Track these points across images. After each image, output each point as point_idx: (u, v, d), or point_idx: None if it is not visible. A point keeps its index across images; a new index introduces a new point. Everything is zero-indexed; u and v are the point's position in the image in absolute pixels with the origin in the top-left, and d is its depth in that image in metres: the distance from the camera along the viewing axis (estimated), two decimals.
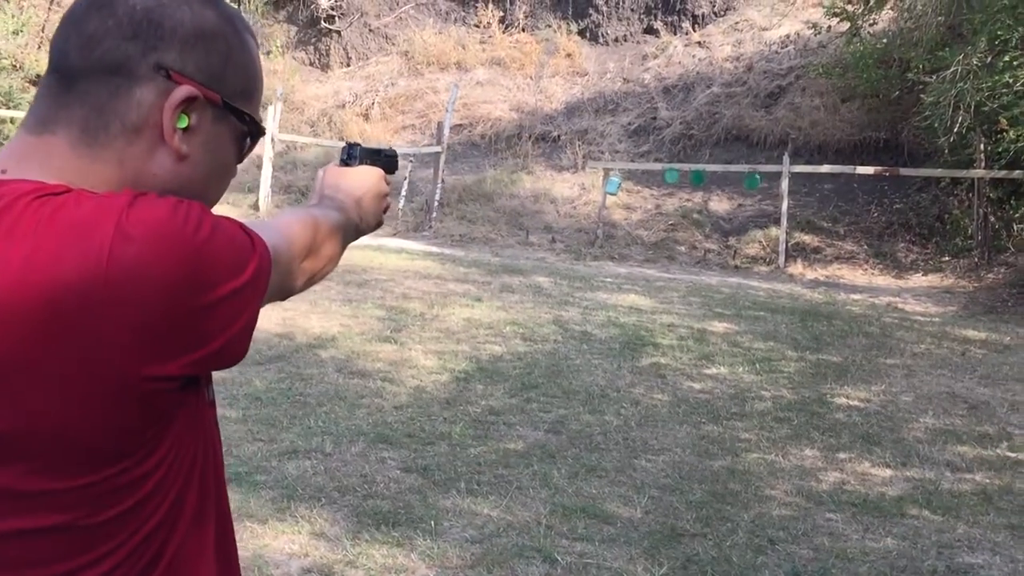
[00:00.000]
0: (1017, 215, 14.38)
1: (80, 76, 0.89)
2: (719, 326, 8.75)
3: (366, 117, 20.44)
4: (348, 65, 22.45)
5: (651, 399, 6.05)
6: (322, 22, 22.35)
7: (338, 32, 22.50)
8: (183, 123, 0.90)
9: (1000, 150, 12.77)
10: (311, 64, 22.73)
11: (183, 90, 0.89)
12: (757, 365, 7.15)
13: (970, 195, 14.86)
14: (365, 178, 1.32)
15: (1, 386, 0.76)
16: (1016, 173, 13.63)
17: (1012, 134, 12.81)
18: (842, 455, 5.14)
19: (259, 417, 5.05)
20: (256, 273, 0.87)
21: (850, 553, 3.80)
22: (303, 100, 21.14)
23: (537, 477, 4.47)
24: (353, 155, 1.35)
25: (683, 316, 9.15)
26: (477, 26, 21.94)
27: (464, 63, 21.23)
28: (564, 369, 6.64)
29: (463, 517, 3.93)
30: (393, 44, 22.26)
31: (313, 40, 22.76)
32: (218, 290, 0.82)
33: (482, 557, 3.57)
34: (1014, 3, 11.14)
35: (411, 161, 16.08)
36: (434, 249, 13.68)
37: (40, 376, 0.76)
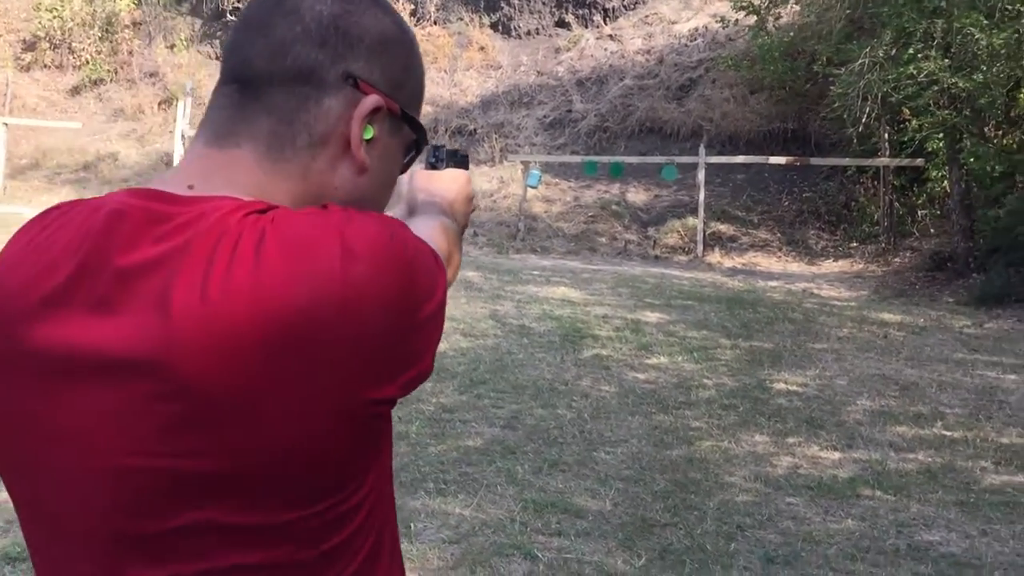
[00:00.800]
0: (920, 201, 15.00)
1: (266, 85, 0.84)
2: (652, 316, 8.88)
3: None
4: None
5: (599, 391, 6.11)
6: (228, 15, 21.81)
7: None
8: (368, 134, 0.87)
9: (905, 139, 13.27)
10: (217, 58, 22.15)
11: (372, 100, 0.85)
12: (695, 354, 7.29)
13: (875, 183, 15.42)
14: (454, 181, 1.29)
15: (218, 423, 0.72)
16: (919, 161, 14.21)
17: (915, 123, 13.34)
18: (791, 439, 5.28)
19: None
20: (445, 289, 0.85)
21: (816, 536, 3.91)
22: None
23: (502, 473, 4.47)
24: (440, 157, 1.31)
25: (615, 307, 9.26)
26: None
27: None
28: (509, 364, 6.65)
29: (436, 518, 3.90)
30: None
31: (219, 33, 22.19)
32: (425, 307, 0.80)
33: (462, 557, 3.55)
34: None
35: None
36: None
37: (264, 409, 0.72)
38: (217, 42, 22.16)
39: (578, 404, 5.75)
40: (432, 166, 1.31)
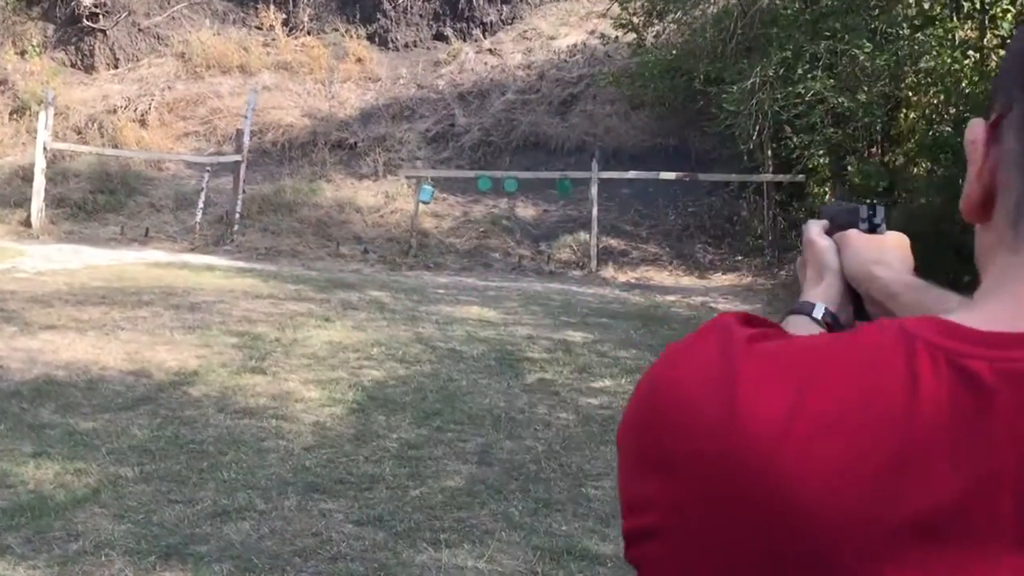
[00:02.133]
0: (801, 216, 15.49)
1: None
2: (576, 335, 8.73)
3: (142, 123, 18.97)
4: (116, 67, 20.76)
5: (558, 419, 5.88)
6: (84, 20, 20.53)
7: (103, 31, 20.76)
8: None
9: (794, 156, 13.63)
10: (73, 65, 20.81)
11: None
12: (636, 375, 7.15)
13: (758, 198, 15.84)
14: (907, 250, 1.01)
15: None
16: (800, 177, 14.68)
17: (796, 140, 13.75)
18: None
19: (161, 473, 4.42)
20: None
21: None
22: (67, 104, 19.24)
23: (498, 518, 4.17)
24: (881, 217, 1.04)
25: (536, 327, 9.07)
26: (259, 28, 20.94)
27: (248, 67, 20.21)
28: (455, 392, 6.34)
29: (450, 574, 3.58)
30: (166, 45, 20.81)
31: (74, 40, 20.85)
32: None
33: None
34: (815, 18, 11.91)
35: (207, 171, 15.06)
36: (243, 264, 12.85)
37: None
38: (73, 48, 20.81)
39: (544, 435, 5.51)
40: (873, 229, 1.03)
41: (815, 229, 1.04)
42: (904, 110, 12.78)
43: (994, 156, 0.58)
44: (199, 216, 14.65)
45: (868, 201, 1.03)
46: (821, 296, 0.97)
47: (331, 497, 4.30)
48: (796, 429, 0.50)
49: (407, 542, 3.85)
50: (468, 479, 4.69)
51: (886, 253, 0.98)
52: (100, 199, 16.51)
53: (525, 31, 20.78)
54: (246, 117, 15.46)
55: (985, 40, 11.43)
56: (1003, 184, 0.58)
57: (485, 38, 20.72)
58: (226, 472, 4.50)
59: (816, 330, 0.91)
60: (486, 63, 20.08)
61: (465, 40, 20.78)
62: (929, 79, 11.82)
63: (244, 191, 14.99)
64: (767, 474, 0.50)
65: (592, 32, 19.82)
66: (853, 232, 1.01)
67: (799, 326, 0.91)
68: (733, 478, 0.51)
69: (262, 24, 20.91)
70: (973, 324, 0.52)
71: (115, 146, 17.85)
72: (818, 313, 0.94)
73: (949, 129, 11.49)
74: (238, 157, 14.83)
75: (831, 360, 0.52)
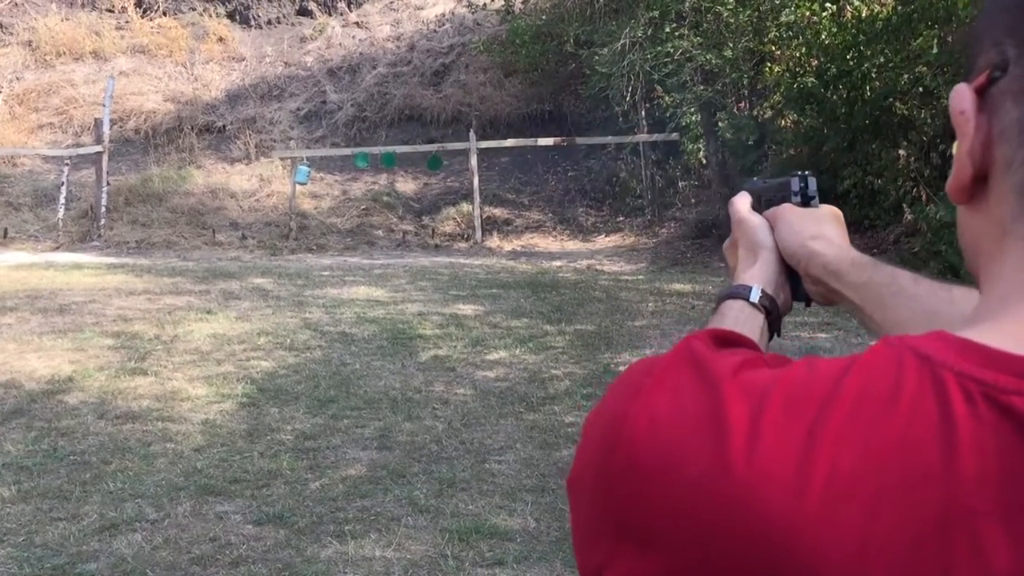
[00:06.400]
0: (678, 173, 15.77)
1: None
2: (466, 308, 8.67)
3: None
4: None
5: (456, 395, 5.81)
6: None
7: None
8: None
9: (668, 115, 13.81)
10: None
11: None
12: (530, 344, 7.15)
13: (635, 158, 16.03)
14: (842, 221, 0.95)
15: None
16: (673, 135, 14.90)
17: (668, 99, 13.94)
18: None
19: (41, 490, 4.16)
20: None
21: None
22: None
23: (403, 503, 4.09)
24: (814, 189, 0.97)
25: (426, 303, 8.96)
26: (111, 11, 19.98)
27: (101, 52, 19.27)
28: (350, 377, 6.20)
29: (358, 566, 3.48)
30: (11, 33, 19.65)
31: None
32: None
33: None
34: None
35: (66, 164, 14.31)
36: (114, 260, 12.30)
37: None
38: None
39: (443, 413, 5.43)
40: (806, 202, 0.96)
41: (743, 206, 0.97)
42: (768, 64, 13.05)
43: (985, 127, 0.50)
44: (61, 212, 13.94)
45: (800, 173, 0.96)
46: (757, 278, 0.90)
47: (227, 498, 4.12)
48: (812, 488, 0.41)
49: (310, 537, 3.72)
50: (369, 465, 4.58)
51: (824, 227, 0.91)
52: None
53: (392, 2, 20.43)
54: (104, 105, 14.73)
55: None
56: (1001, 161, 0.49)
57: (351, 11, 20.28)
58: (112, 482, 4.27)
59: (753, 315, 0.85)
60: (354, 37, 19.67)
61: (331, 14, 20.31)
62: (790, 32, 12.09)
63: (108, 183, 14.32)
64: (775, 544, 0.41)
65: (460, 0, 19.59)
66: (786, 206, 0.95)
67: (735, 312, 0.85)
68: (730, 548, 0.42)
69: (113, 6, 19.96)
70: (1003, 345, 0.44)
71: None
72: (755, 297, 0.87)
73: (812, 80, 11.81)
74: (99, 148, 14.13)
75: (841, 398, 0.43)
